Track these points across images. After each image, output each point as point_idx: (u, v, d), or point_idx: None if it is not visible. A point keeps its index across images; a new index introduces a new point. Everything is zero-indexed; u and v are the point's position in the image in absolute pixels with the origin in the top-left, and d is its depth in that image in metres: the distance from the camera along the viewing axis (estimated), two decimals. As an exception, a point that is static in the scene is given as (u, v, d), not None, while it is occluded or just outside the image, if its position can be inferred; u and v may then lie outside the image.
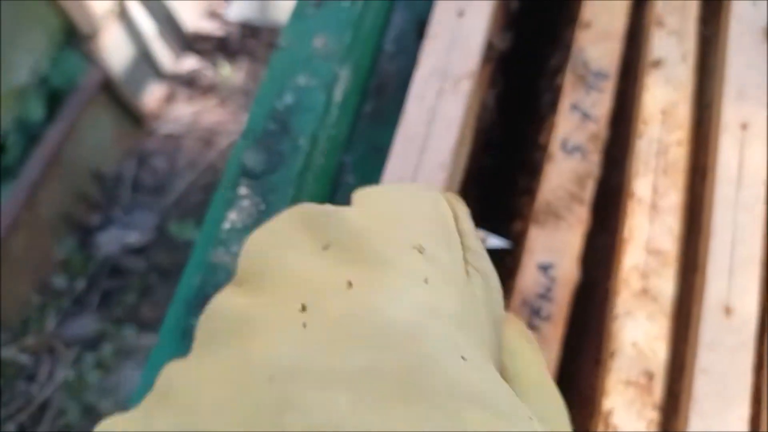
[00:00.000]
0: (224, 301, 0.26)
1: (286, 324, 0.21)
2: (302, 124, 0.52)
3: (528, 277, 0.58)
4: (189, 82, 2.21)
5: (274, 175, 0.50)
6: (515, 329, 0.32)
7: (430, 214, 0.27)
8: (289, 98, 0.52)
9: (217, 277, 0.49)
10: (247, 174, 0.50)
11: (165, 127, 2.11)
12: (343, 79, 0.58)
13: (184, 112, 2.14)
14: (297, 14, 0.56)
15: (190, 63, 2.25)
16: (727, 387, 0.57)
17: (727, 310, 0.58)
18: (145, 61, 2.12)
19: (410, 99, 0.60)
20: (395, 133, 0.58)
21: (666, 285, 0.58)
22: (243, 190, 0.49)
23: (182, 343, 0.48)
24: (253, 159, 0.50)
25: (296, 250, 0.24)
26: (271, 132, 0.51)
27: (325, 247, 0.24)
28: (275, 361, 0.20)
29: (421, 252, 0.24)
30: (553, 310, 0.57)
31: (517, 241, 0.65)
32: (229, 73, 2.22)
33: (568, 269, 0.58)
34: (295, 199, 0.51)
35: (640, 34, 0.71)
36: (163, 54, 2.20)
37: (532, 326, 0.56)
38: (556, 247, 0.59)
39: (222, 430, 0.19)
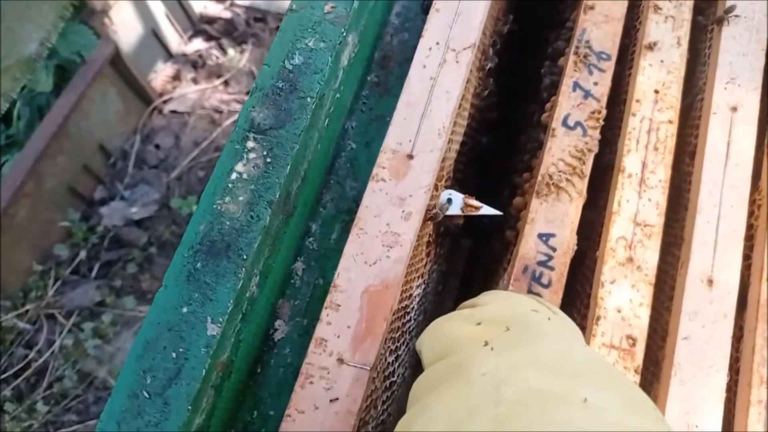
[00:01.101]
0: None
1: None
2: (310, 83, 0.54)
3: (530, 246, 0.60)
4: (195, 63, 2.23)
5: (280, 131, 0.52)
6: None
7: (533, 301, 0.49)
8: (297, 59, 0.54)
9: (223, 225, 0.51)
10: (255, 128, 0.52)
11: (170, 105, 2.13)
12: (350, 44, 0.60)
13: (190, 91, 2.16)
14: (308, -20, 0.58)
15: (197, 44, 2.27)
16: (706, 355, 0.58)
17: (710, 282, 0.60)
18: (153, 39, 2.14)
19: (413, 68, 0.62)
20: (398, 99, 0.60)
21: (651, 255, 0.60)
22: (250, 144, 0.51)
23: (186, 286, 0.50)
24: (261, 114, 0.52)
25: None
26: (280, 90, 0.53)
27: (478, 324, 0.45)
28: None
29: (538, 311, 0.46)
30: (553, 277, 0.59)
31: (517, 214, 0.67)
32: (235, 55, 2.24)
33: (567, 239, 0.60)
34: (299, 155, 0.53)
35: (636, 18, 0.73)
36: (172, 34, 2.22)
37: (532, 293, 0.58)
38: (556, 218, 0.61)
39: None
